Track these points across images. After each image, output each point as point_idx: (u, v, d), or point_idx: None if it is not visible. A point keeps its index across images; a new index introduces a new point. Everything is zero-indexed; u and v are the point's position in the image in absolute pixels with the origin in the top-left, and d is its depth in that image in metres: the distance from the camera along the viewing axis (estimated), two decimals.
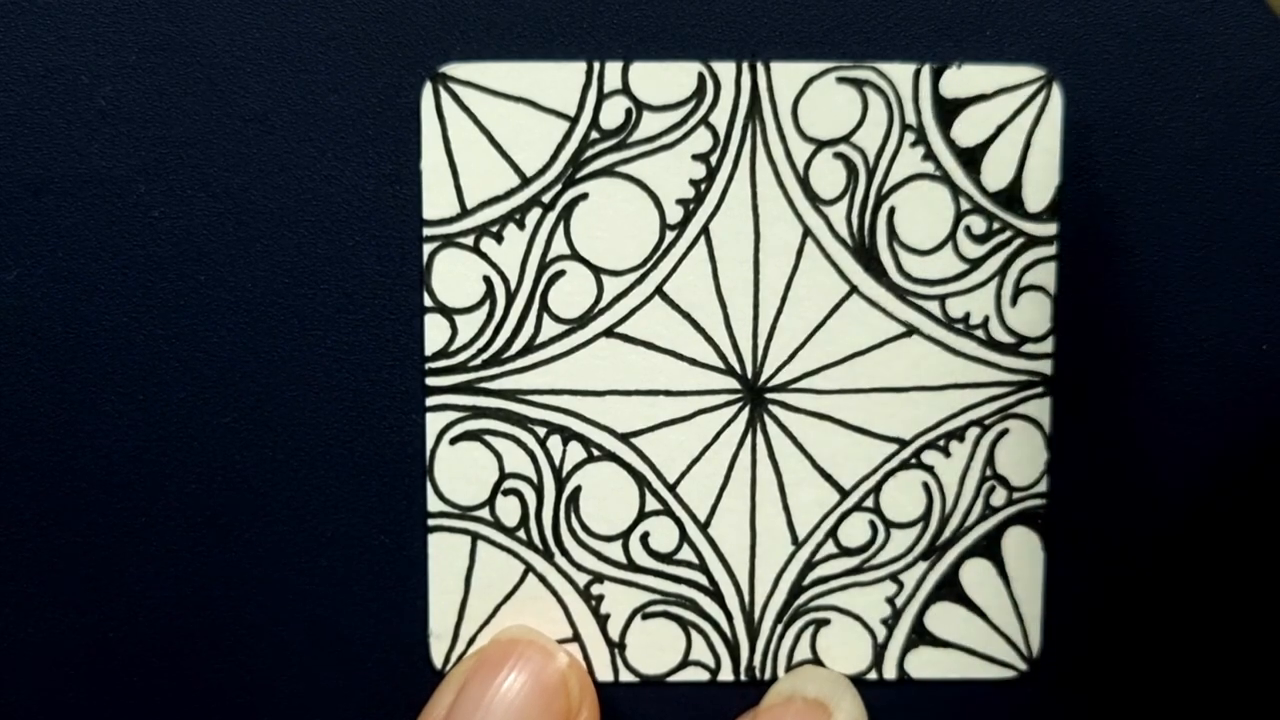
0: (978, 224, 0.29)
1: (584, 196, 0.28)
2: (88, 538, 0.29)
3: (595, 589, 0.29)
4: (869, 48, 0.28)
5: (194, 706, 0.29)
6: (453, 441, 0.29)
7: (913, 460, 0.29)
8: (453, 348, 0.29)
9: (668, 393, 0.29)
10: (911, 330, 0.29)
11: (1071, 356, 0.29)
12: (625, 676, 0.30)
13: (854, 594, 0.30)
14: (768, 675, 0.30)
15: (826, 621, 0.30)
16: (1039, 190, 0.29)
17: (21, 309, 0.28)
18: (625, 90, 0.28)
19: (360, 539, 0.29)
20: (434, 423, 0.29)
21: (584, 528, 0.29)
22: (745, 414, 0.29)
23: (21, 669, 0.29)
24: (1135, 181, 0.28)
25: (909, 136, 0.28)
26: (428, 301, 0.29)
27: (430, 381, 0.29)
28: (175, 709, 0.29)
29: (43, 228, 0.28)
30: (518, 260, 0.29)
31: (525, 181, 0.28)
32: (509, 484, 0.29)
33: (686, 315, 0.29)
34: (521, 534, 0.29)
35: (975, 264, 0.29)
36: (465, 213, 0.28)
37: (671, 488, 0.29)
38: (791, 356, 0.29)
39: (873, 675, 0.30)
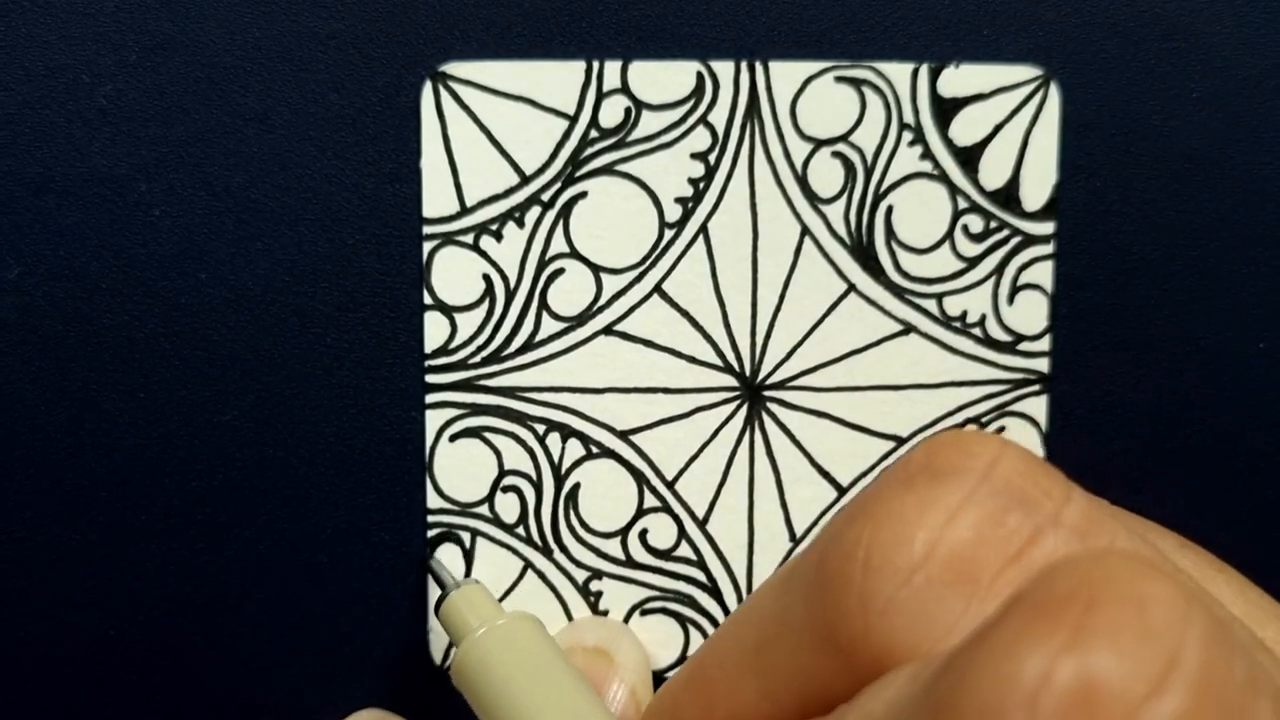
0: (975, 223, 0.29)
1: (583, 195, 0.29)
2: (88, 537, 0.29)
3: (594, 585, 0.30)
4: (867, 47, 0.28)
5: (194, 705, 0.29)
6: (452, 439, 0.29)
7: None
8: (452, 345, 0.29)
9: (666, 390, 0.29)
10: (909, 328, 0.29)
11: (1068, 355, 0.29)
12: None
13: None
14: None
15: None
16: (1036, 189, 0.29)
17: (23, 307, 0.28)
18: (624, 89, 0.28)
19: (360, 536, 0.29)
20: (434, 420, 0.29)
21: (583, 524, 0.29)
22: (743, 411, 0.29)
23: (21, 669, 0.29)
24: (1132, 180, 0.29)
25: (907, 135, 0.28)
26: (427, 299, 0.29)
27: (430, 379, 0.29)
28: (175, 708, 0.29)
29: (44, 226, 0.28)
30: (517, 258, 0.29)
31: (525, 180, 0.28)
32: (508, 481, 0.29)
33: (685, 313, 0.29)
34: (520, 531, 0.29)
35: (973, 262, 0.29)
36: (465, 211, 0.28)
37: (670, 485, 0.29)
38: (789, 354, 0.29)
39: None
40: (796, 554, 0.18)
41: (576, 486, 0.29)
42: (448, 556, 0.29)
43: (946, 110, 0.28)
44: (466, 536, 0.29)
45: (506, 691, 0.24)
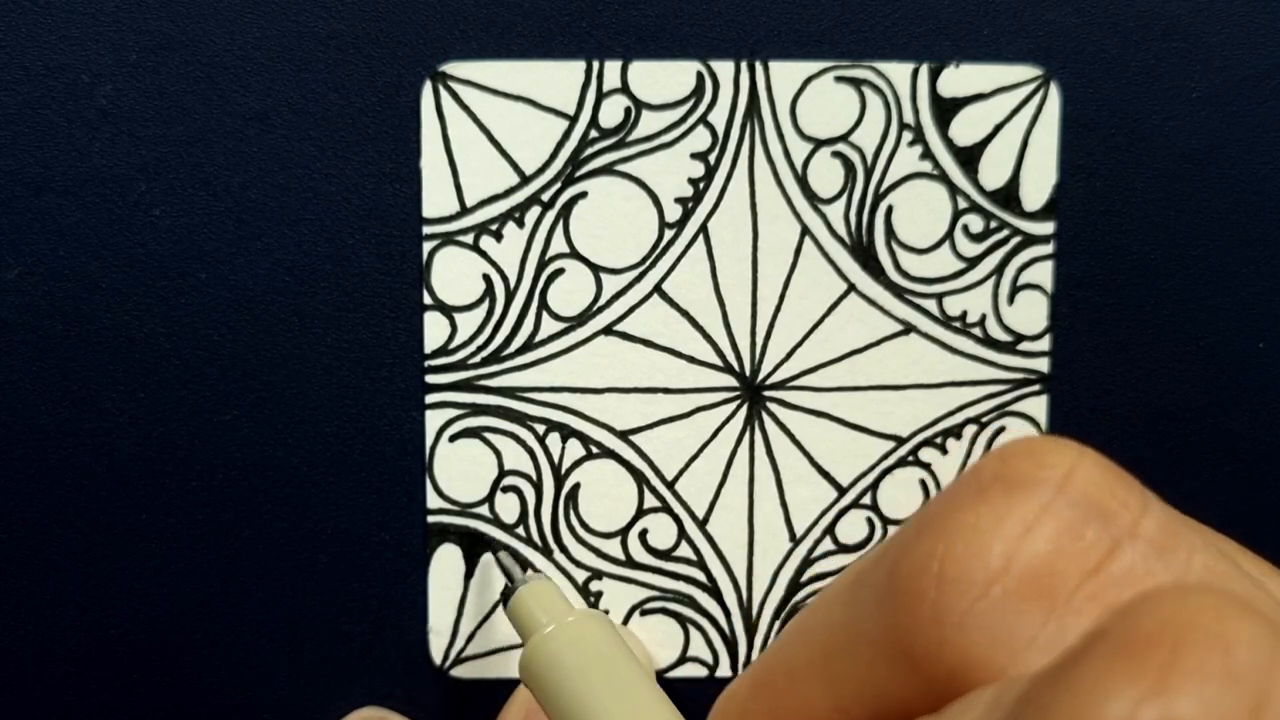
0: (975, 223, 0.29)
1: (583, 195, 0.29)
2: (88, 537, 0.29)
3: (594, 585, 0.30)
4: (867, 47, 0.28)
5: (194, 705, 0.29)
6: (452, 439, 0.29)
7: (910, 458, 0.29)
8: (452, 345, 0.29)
9: (666, 390, 0.29)
10: (909, 328, 0.29)
11: (1068, 355, 0.29)
12: None
13: None
14: None
15: None
16: (1036, 189, 0.29)
17: (23, 307, 0.28)
18: (624, 89, 0.28)
19: (360, 536, 0.29)
20: (433, 420, 0.29)
21: (583, 524, 0.29)
22: (743, 411, 0.29)
23: (21, 669, 0.29)
24: (1132, 180, 0.29)
25: (907, 135, 0.28)
26: (427, 299, 0.29)
27: (430, 379, 0.29)
28: (175, 708, 0.29)
29: (44, 226, 0.28)
30: (517, 258, 0.29)
31: (525, 180, 0.28)
32: (508, 481, 0.29)
33: (685, 313, 0.29)
34: (520, 531, 0.29)
35: (973, 262, 0.29)
36: (465, 211, 0.28)
37: (670, 485, 0.29)
38: (789, 354, 0.29)
39: None
40: (862, 560, 0.17)
41: (576, 486, 0.29)
42: (448, 556, 0.29)
43: (946, 110, 0.28)
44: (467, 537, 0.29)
45: (576, 690, 0.25)
